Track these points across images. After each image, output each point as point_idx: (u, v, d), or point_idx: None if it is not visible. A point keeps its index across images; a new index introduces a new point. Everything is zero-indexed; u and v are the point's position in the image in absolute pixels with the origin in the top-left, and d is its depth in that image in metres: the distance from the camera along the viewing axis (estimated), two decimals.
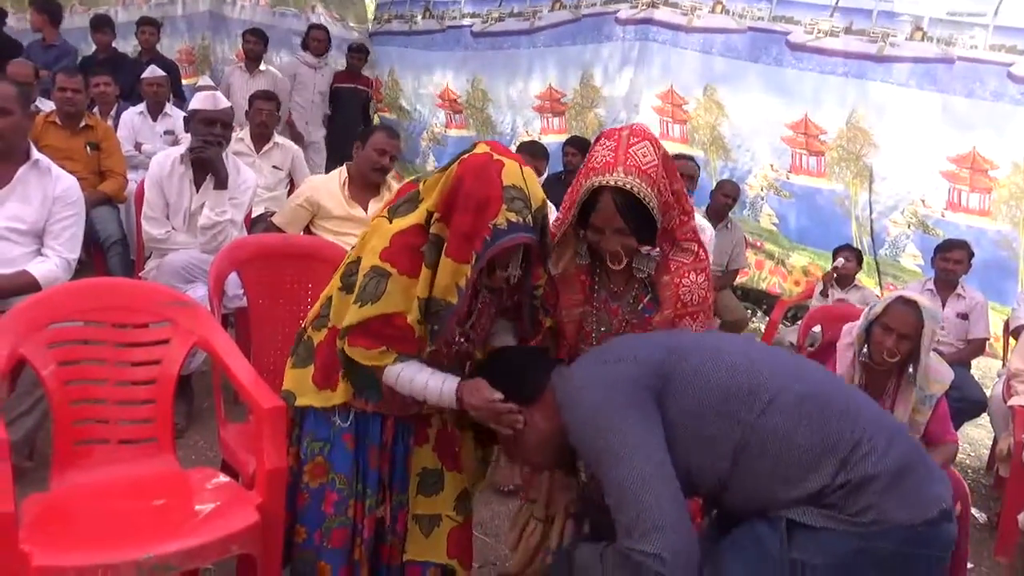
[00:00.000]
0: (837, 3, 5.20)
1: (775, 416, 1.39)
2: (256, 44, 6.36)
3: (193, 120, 3.37)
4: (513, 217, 1.61)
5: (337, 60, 7.42)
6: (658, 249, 1.74)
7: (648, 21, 5.97)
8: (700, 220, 3.42)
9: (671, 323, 1.77)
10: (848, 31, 5.17)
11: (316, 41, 6.79)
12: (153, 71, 5.06)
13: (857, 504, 1.35)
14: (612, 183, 1.63)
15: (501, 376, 1.69)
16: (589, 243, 1.77)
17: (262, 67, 6.41)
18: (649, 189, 1.64)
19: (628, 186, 1.63)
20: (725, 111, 5.66)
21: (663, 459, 1.36)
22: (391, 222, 1.72)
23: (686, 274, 1.76)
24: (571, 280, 1.85)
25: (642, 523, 1.30)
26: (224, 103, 3.42)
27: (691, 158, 5.02)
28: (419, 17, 7.68)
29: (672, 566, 1.28)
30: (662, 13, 5.92)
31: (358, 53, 7.24)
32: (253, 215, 4.13)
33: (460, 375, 1.81)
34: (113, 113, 5.09)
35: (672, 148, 2.94)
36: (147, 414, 2.28)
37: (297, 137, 6.54)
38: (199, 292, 3.03)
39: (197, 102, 3.39)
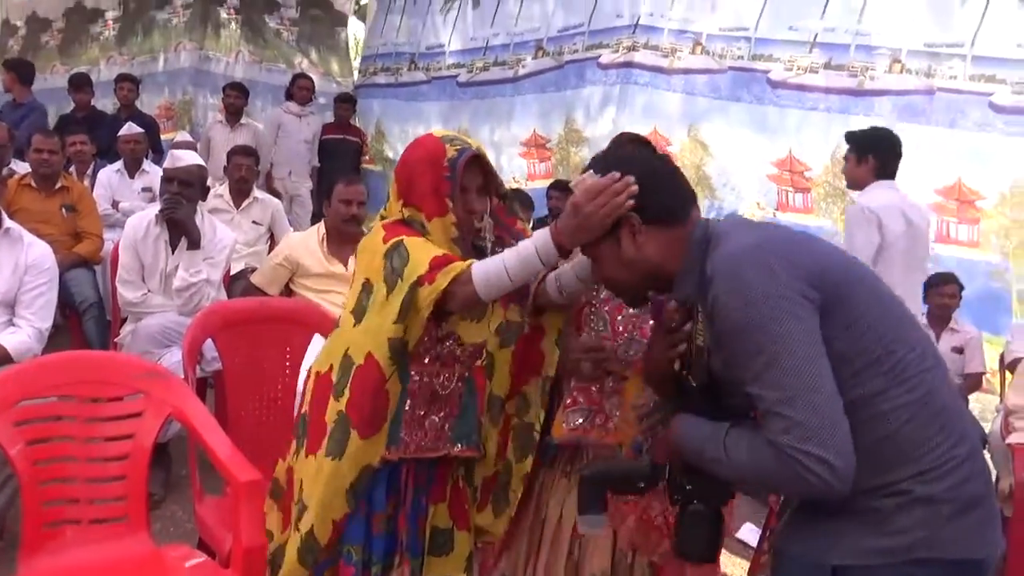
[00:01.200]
0: (815, 39, 5.23)
1: (899, 397, 1.28)
2: (237, 98, 6.37)
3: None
4: (458, 146, 1.74)
5: (323, 112, 7.45)
6: None
7: (629, 64, 6.01)
8: None
9: None
10: (827, 67, 5.19)
11: (302, 90, 6.82)
12: (130, 128, 5.04)
13: (903, 521, 1.26)
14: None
15: (635, 175, 1.46)
16: None
17: (243, 121, 6.42)
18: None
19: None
20: (709, 150, 5.66)
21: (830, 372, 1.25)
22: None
23: None
24: None
25: (814, 424, 1.19)
26: (185, 160, 3.36)
27: None
28: (405, 69, 7.76)
29: (839, 475, 1.19)
30: (643, 56, 5.96)
31: (346, 103, 7.27)
32: (233, 271, 4.07)
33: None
34: (90, 171, 5.05)
35: None
36: (120, 491, 2.21)
37: (275, 193, 6.51)
38: (176, 357, 2.94)
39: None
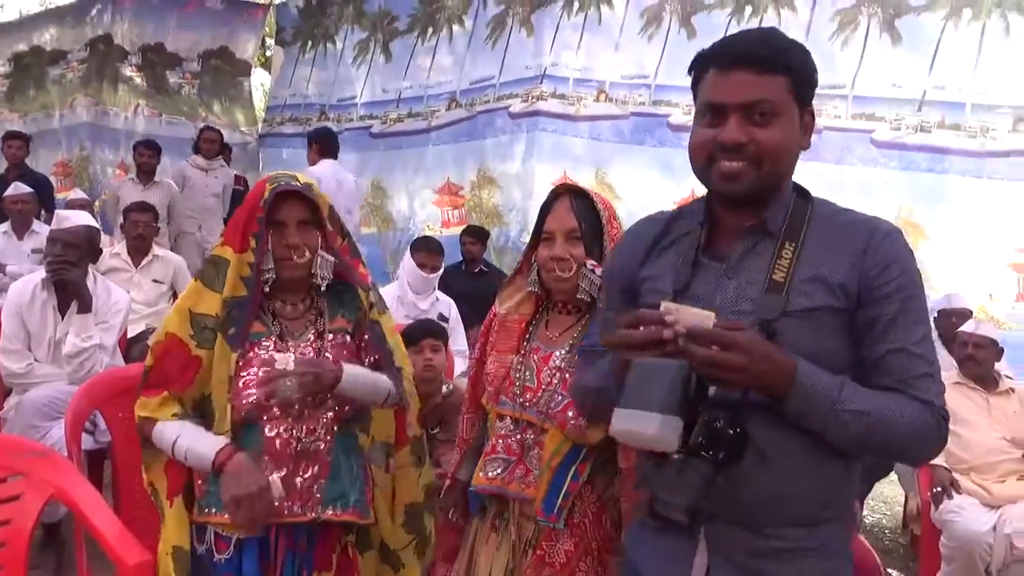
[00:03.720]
0: None
1: None
2: (151, 157, 6.05)
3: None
4: (274, 183, 1.75)
5: (235, 163, 7.30)
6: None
7: (538, 113, 6.17)
8: None
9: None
10: None
11: (208, 142, 6.61)
12: (17, 188, 4.78)
13: None
14: (571, 186, 1.80)
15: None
16: (539, 266, 1.79)
17: (157, 179, 6.13)
18: (601, 206, 1.76)
19: (585, 190, 1.79)
20: (616, 193, 5.80)
21: None
22: None
23: None
24: (510, 326, 1.86)
25: (940, 383, 1.27)
26: (71, 221, 3.19)
27: None
28: (315, 119, 7.74)
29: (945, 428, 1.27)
30: (550, 105, 6.15)
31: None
32: (133, 333, 3.90)
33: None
34: None
35: None
36: None
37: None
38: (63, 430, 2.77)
39: None
